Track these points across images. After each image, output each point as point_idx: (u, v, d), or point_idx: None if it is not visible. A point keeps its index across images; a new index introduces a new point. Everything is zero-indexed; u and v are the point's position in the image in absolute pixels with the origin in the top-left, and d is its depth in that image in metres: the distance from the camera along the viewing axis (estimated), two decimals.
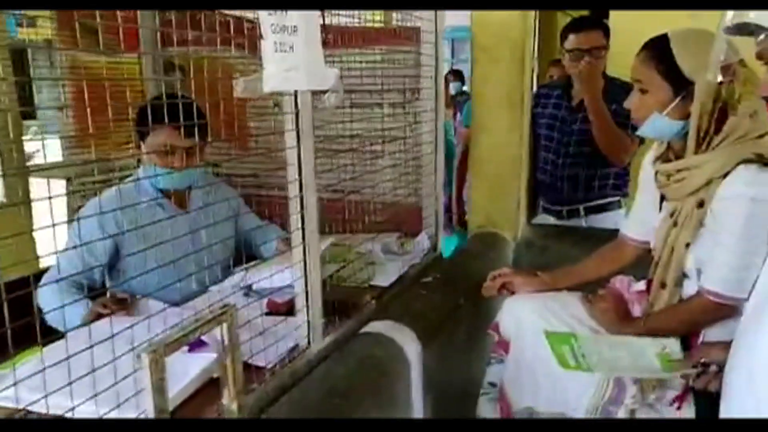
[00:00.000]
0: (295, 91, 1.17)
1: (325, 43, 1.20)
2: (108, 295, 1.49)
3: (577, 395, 1.43)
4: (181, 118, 1.05)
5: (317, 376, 1.21)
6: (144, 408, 0.89)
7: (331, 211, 1.49)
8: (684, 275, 1.36)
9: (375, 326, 1.40)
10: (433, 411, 1.43)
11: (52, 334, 0.98)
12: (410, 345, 1.36)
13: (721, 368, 1.02)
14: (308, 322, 1.28)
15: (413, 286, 1.73)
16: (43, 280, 1.50)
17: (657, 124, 1.37)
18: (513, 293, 1.62)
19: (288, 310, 1.40)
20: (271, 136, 2.02)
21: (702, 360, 1.21)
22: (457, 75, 4.96)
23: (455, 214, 3.83)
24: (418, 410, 1.37)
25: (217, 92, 1.21)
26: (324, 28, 1.21)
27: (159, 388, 0.87)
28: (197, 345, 1.17)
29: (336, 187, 1.61)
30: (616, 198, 2.33)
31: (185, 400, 1.08)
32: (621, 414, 1.36)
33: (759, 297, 0.88)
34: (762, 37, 0.87)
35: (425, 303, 1.60)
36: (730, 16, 0.87)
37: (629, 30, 2.03)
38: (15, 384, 0.84)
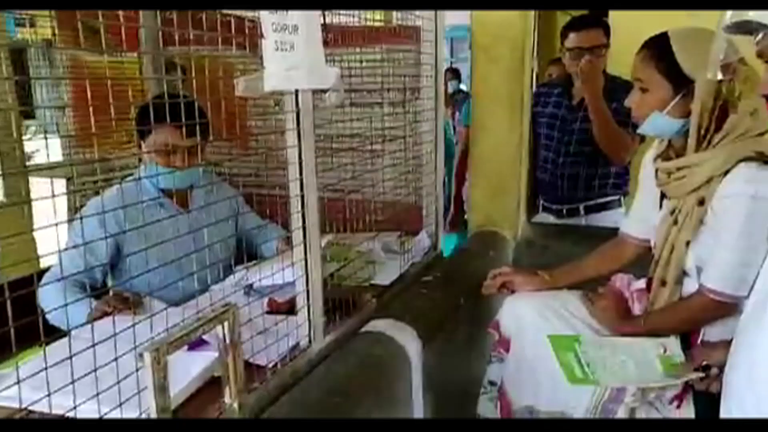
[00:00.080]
0: (296, 90, 1.18)
1: (325, 43, 1.20)
2: (111, 293, 1.49)
3: (577, 394, 1.43)
4: (183, 118, 1.05)
5: (318, 374, 1.21)
6: (146, 407, 0.90)
7: (331, 210, 1.49)
8: (684, 273, 1.37)
9: (376, 325, 1.41)
10: (434, 410, 1.43)
11: (54, 334, 0.98)
12: (411, 344, 1.36)
13: (722, 369, 1.02)
14: (309, 320, 1.28)
15: (414, 285, 1.74)
16: (44, 280, 1.50)
17: (657, 123, 1.37)
18: (513, 292, 1.62)
19: (288, 309, 1.41)
20: (271, 136, 2.02)
21: (704, 363, 1.21)
22: (453, 73, 4.95)
23: (451, 214, 3.83)
24: (418, 409, 1.38)
25: (217, 91, 1.22)
26: (324, 27, 1.21)
27: (161, 386, 0.87)
28: (199, 344, 1.17)
29: (336, 186, 1.61)
30: (616, 197, 2.33)
31: (187, 399, 1.09)
32: (621, 412, 1.36)
33: (759, 295, 0.88)
34: (761, 35, 0.87)
35: (426, 302, 1.61)
36: (730, 15, 0.88)
37: (629, 29, 2.03)
38: (18, 383, 0.84)
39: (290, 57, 1.12)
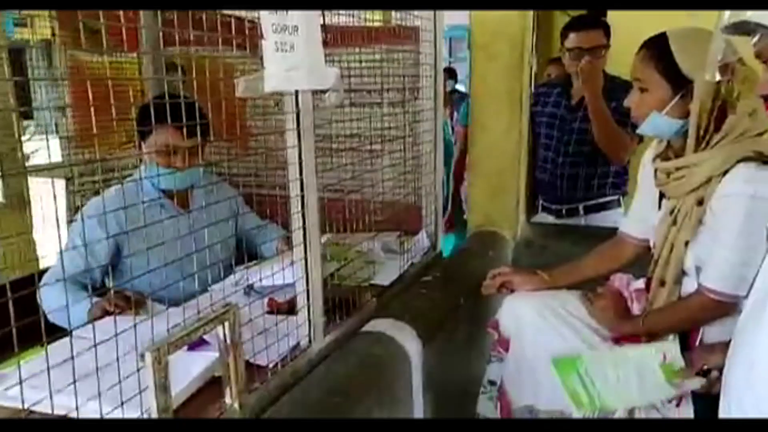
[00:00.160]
0: (296, 91, 1.18)
1: (325, 43, 1.21)
2: (113, 292, 1.49)
3: None
4: (183, 118, 1.05)
5: (318, 374, 1.22)
6: (147, 407, 0.90)
7: (331, 211, 1.49)
8: (683, 273, 1.37)
9: (376, 325, 1.41)
10: (434, 409, 1.44)
11: (55, 334, 0.98)
12: (411, 343, 1.37)
13: (722, 372, 1.03)
14: (309, 320, 1.28)
15: (413, 285, 1.74)
16: (44, 280, 1.50)
17: (656, 123, 1.38)
18: (512, 292, 1.62)
19: (289, 309, 1.41)
20: (271, 136, 2.02)
21: (704, 367, 1.21)
22: (449, 73, 4.94)
23: (449, 213, 3.83)
24: (418, 408, 1.38)
25: (218, 92, 1.22)
26: (324, 27, 1.22)
27: (162, 386, 0.88)
28: (199, 344, 1.17)
29: (336, 187, 1.61)
30: (615, 197, 2.34)
31: (188, 399, 1.09)
32: (620, 412, 1.37)
33: (758, 294, 0.88)
34: (759, 36, 0.87)
35: (425, 302, 1.61)
36: (728, 15, 0.88)
37: (629, 29, 2.04)
38: (20, 383, 0.84)
39: (290, 57, 1.12)
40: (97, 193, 1.70)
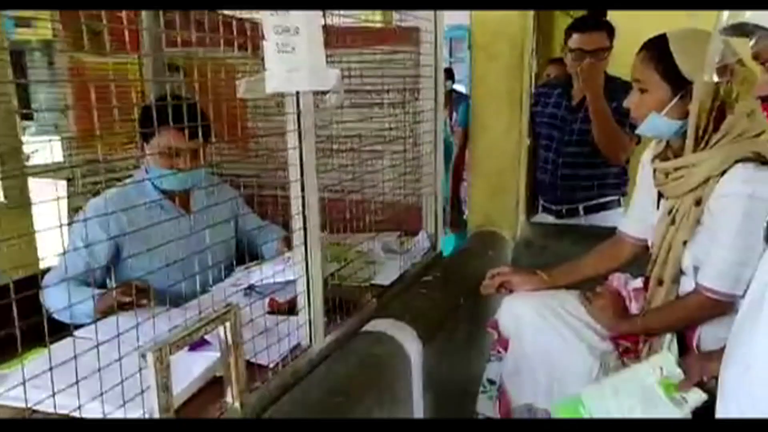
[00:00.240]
0: (297, 92, 1.18)
1: (325, 44, 1.21)
2: (114, 286, 1.50)
3: (575, 392, 1.44)
4: (186, 121, 1.05)
5: (319, 374, 1.22)
6: (149, 406, 0.90)
7: (332, 211, 1.50)
8: (681, 272, 1.38)
9: (376, 325, 1.41)
10: (433, 408, 1.44)
11: (57, 334, 0.99)
12: (411, 343, 1.37)
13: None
14: (310, 321, 1.29)
15: (413, 285, 1.74)
16: (46, 281, 1.51)
17: (656, 123, 1.38)
18: (511, 291, 1.63)
19: (289, 309, 1.41)
20: (272, 137, 2.03)
21: (704, 379, 1.21)
22: (447, 74, 4.92)
23: (449, 215, 3.83)
24: (418, 408, 1.39)
25: (218, 93, 1.22)
26: (325, 28, 1.22)
27: (164, 386, 0.88)
28: (200, 344, 1.18)
29: (337, 187, 1.62)
30: (615, 197, 2.34)
31: (189, 399, 1.09)
32: None
33: (755, 294, 0.89)
34: (757, 37, 0.88)
35: (425, 302, 1.61)
36: (726, 17, 0.88)
37: (629, 30, 2.04)
38: (23, 383, 0.85)
39: (291, 59, 1.13)
40: (97, 193, 1.70)
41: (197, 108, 1.21)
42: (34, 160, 2.42)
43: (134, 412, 0.94)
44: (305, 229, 1.25)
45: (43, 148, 2.22)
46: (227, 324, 1.01)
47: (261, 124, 2.28)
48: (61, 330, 1.06)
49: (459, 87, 4.40)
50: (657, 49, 1.35)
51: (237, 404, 1.05)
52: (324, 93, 1.26)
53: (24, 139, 2.40)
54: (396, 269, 1.79)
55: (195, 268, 1.29)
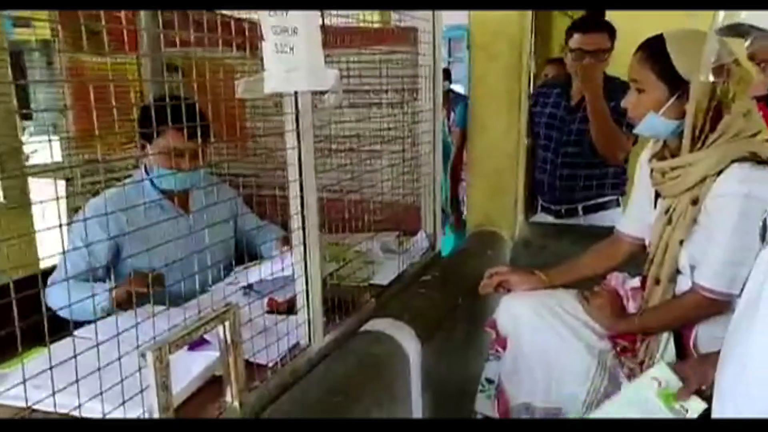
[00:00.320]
0: (295, 92, 1.19)
1: (324, 44, 1.21)
2: (132, 275, 1.50)
3: (573, 391, 1.45)
4: (187, 121, 1.06)
5: (318, 373, 1.23)
6: (148, 405, 0.91)
7: (330, 211, 1.50)
8: (678, 272, 1.38)
9: (375, 324, 1.42)
10: (432, 408, 1.45)
11: (57, 333, 0.99)
12: (409, 343, 1.38)
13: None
14: (309, 320, 1.29)
15: (412, 285, 1.75)
16: (50, 281, 1.51)
17: (653, 123, 1.39)
18: (510, 291, 1.64)
19: (288, 308, 1.42)
20: (271, 137, 2.03)
21: (702, 387, 1.21)
22: (444, 74, 4.90)
23: (452, 215, 3.84)
24: (417, 407, 1.39)
25: (217, 93, 1.23)
26: (323, 28, 1.22)
27: (163, 385, 0.89)
28: (200, 343, 1.18)
29: (335, 187, 1.62)
30: (614, 197, 2.35)
31: (188, 398, 1.10)
32: None
33: (751, 294, 0.89)
34: (753, 38, 0.88)
35: (424, 301, 1.62)
36: (722, 18, 0.89)
37: (628, 30, 2.04)
38: (23, 382, 0.85)
39: (290, 59, 1.13)
40: (97, 193, 1.71)
41: (198, 109, 1.21)
42: (34, 160, 2.42)
43: (134, 411, 0.94)
44: (304, 228, 1.25)
45: (42, 148, 2.22)
46: (226, 323, 1.02)
47: (260, 124, 2.28)
48: (61, 330, 1.07)
49: (457, 87, 4.39)
50: (654, 49, 1.36)
51: (236, 403, 1.06)
52: (322, 93, 1.27)
53: (23, 138, 2.41)
54: (395, 269, 1.79)
55: (194, 268, 1.29)
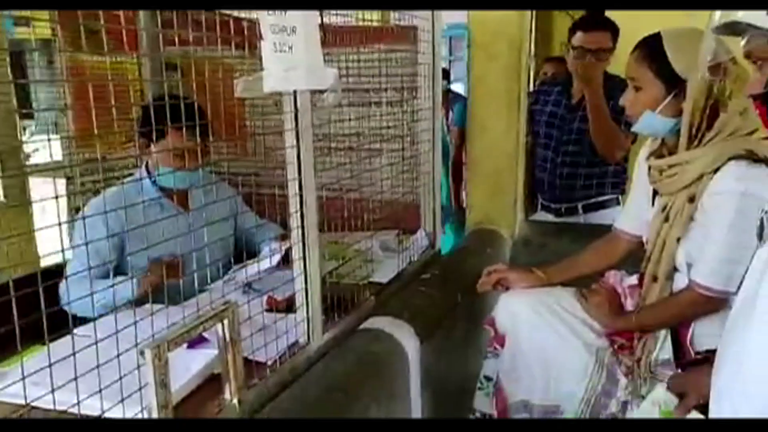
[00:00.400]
0: (294, 91, 1.19)
1: (323, 43, 1.22)
2: (151, 264, 1.52)
3: (571, 388, 1.45)
4: (190, 121, 1.06)
5: (317, 371, 1.23)
6: (147, 403, 0.91)
7: (329, 209, 1.51)
8: (675, 269, 1.39)
9: (374, 322, 1.42)
10: (431, 405, 1.45)
11: (57, 331, 0.99)
12: (409, 341, 1.38)
13: None
14: (308, 318, 1.30)
15: (412, 283, 1.75)
16: (66, 282, 1.51)
17: (650, 121, 1.39)
18: (508, 289, 1.64)
19: (287, 306, 1.42)
20: (270, 136, 2.03)
21: (701, 401, 1.21)
22: (443, 73, 4.88)
23: (453, 214, 3.84)
24: (416, 405, 1.39)
25: (216, 92, 1.23)
26: (322, 27, 1.23)
27: (162, 383, 0.89)
28: (199, 341, 1.18)
29: (335, 186, 1.63)
30: (614, 196, 2.35)
31: (187, 396, 1.10)
32: (613, 406, 1.39)
33: (747, 292, 0.89)
34: (749, 36, 0.88)
35: (423, 299, 1.62)
36: (719, 16, 0.89)
37: (628, 29, 2.04)
38: (23, 379, 0.85)
39: (289, 58, 1.13)
40: (97, 192, 1.71)
41: (199, 108, 1.22)
42: (35, 159, 2.43)
43: (132, 409, 0.95)
44: (303, 227, 1.25)
45: (44, 147, 2.22)
46: (225, 321, 1.02)
47: (259, 122, 2.28)
48: (60, 328, 1.07)
49: (458, 85, 4.40)
50: (651, 48, 1.36)
51: (235, 401, 1.06)
52: (322, 92, 1.27)
53: (25, 138, 2.41)
54: (394, 267, 1.79)
55: (193, 266, 1.30)
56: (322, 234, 1.34)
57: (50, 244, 0.95)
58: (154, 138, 1.60)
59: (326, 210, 1.44)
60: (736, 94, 1.26)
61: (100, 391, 0.93)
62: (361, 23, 1.77)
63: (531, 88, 2.39)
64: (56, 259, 1.59)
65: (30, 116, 2.58)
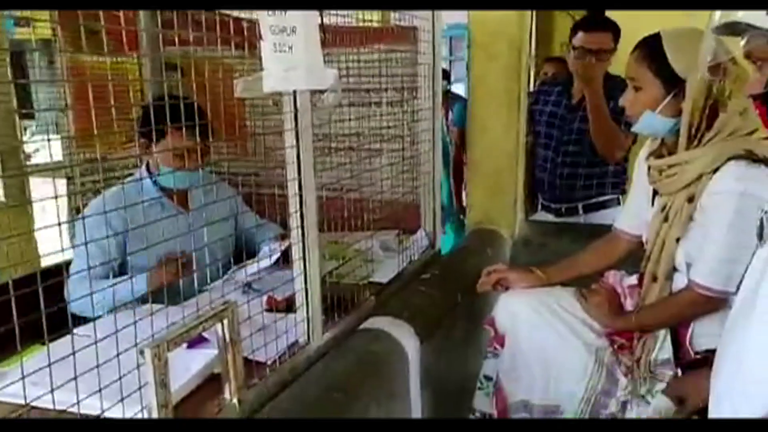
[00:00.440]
0: (294, 91, 1.19)
1: (323, 43, 1.22)
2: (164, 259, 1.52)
3: (571, 388, 1.45)
4: (187, 120, 1.06)
5: (317, 371, 1.23)
6: (147, 402, 0.91)
7: (329, 209, 1.51)
8: (674, 269, 1.39)
9: (374, 322, 1.42)
10: (431, 405, 1.45)
11: (56, 331, 1.00)
12: (409, 341, 1.38)
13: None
14: (308, 318, 1.30)
15: (411, 283, 1.75)
16: (72, 281, 1.51)
17: (650, 121, 1.39)
18: (508, 289, 1.64)
19: (287, 306, 1.42)
20: (270, 136, 2.04)
21: (700, 406, 1.21)
22: (443, 74, 4.88)
23: (453, 214, 3.84)
24: (416, 405, 1.39)
25: (216, 92, 1.23)
26: (322, 27, 1.23)
27: (162, 383, 0.89)
28: (199, 341, 1.19)
29: (335, 186, 1.63)
30: (615, 196, 2.35)
31: (187, 396, 1.10)
32: (613, 406, 1.39)
33: (747, 292, 0.89)
34: (749, 36, 0.88)
35: (423, 299, 1.62)
36: (719, 16, 0.89)
37: (628, 29, 2.05)
38: (22, 378, 0.85)
39: (288, 58, 1.13)
40: (97, 192, 1.72)
41: (199, 108, 1.22)
42: (36, 159, 2.43)
43: (132, 409, 0.95)
44: (303, 227, 1.25)
45: (44, 147, 2.22)
46: (225, 321, 1.02)
47: (259, 122, 2.28)
48: (60, 328, 1.07)
49: (458, 85, 4.40)
50: (651, 48, 1.36)
51: (235, 401, 1.06)
52: (321, 92, 1.27)
53: (26, 138, 2.41)
54: (394, 267, 1.80)
55: (194, 266, 1.30)
56: (322, 234, 1.34)
57: (50, 244, 0.95)
58: (155, 138, 1.60)
59: (326, 210, 1.44)
60: (735, 94, 1.26)
61: (100, 390, 0.93)
62: (361, 23, 1.78)
63: (531, 88, 2.39)
64: (56, 259, 1.59)
65: (30, 116, 2.58)
